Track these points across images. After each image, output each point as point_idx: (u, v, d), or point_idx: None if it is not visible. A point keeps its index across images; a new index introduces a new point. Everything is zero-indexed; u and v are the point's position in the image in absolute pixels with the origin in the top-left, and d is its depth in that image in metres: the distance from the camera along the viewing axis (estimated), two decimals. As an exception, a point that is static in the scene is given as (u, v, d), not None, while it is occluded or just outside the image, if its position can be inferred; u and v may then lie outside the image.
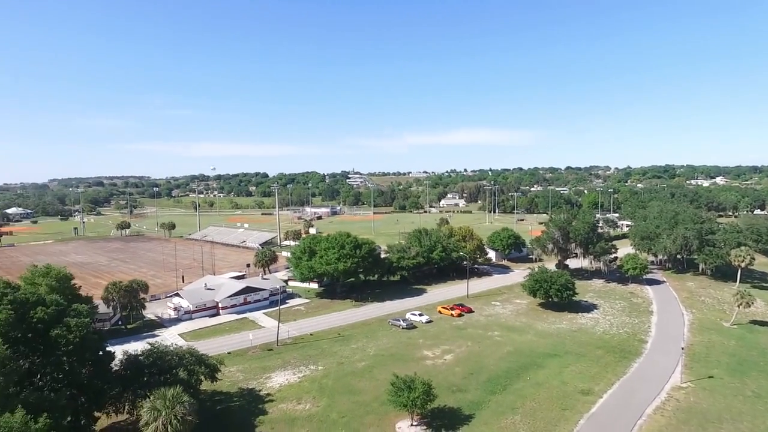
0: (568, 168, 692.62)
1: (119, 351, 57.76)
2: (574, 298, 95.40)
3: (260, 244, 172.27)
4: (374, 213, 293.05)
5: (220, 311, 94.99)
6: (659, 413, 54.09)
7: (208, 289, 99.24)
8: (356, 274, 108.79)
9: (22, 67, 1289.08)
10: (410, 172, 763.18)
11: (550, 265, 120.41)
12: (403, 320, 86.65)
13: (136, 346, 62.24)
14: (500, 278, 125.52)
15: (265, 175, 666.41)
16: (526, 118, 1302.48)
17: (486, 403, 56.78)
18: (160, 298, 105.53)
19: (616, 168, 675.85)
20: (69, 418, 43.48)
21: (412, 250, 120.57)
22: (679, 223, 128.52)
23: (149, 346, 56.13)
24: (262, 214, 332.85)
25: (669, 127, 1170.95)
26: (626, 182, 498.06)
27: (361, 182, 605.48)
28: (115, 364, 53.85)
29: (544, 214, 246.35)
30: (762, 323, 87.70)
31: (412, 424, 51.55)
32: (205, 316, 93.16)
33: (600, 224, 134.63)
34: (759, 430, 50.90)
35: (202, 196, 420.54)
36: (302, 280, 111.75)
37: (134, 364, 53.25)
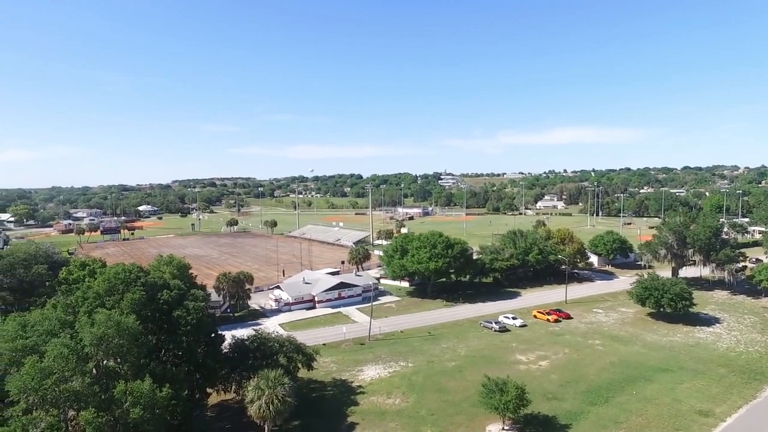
0: (685, 168, 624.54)
1: (228, 336, 63.12)
2: (691, 309, 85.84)
3: (354, 243, 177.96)
4: (466, 214, 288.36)
5: (317, 304, 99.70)
6: (798, 445, 46.90)
7: (306, 283, 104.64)
8: (447, 274, 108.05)
9: (146, 75, 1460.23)
10: (505, 173, 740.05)
11: (662, 272, 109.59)
12: (495, 322, 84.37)
13: (242, 332, 67.57)
14: (603, 284, 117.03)
15: (360, 177, 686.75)
16: (635, 114, 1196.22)
17: (585, 414, 53.30)
18: (263, 290, 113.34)
19: (747, 167, 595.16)
20: (186, 392, 48.43)
21: (506, 251, 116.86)
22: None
23: (254, 333, 60.69)
24: (356, 213, 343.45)
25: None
26: (759, 183, 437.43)
27: (454, 183, 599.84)
28: (224, 347, 58.97)
29: (656, 218, 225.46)
30: None
31: (503, 428, 50.03)
32: (303, 309, 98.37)
33: (725, 229, 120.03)
34: None
35: (301, 196, 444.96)
36: (394, 278, 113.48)
37: (241, 348, 57.88)
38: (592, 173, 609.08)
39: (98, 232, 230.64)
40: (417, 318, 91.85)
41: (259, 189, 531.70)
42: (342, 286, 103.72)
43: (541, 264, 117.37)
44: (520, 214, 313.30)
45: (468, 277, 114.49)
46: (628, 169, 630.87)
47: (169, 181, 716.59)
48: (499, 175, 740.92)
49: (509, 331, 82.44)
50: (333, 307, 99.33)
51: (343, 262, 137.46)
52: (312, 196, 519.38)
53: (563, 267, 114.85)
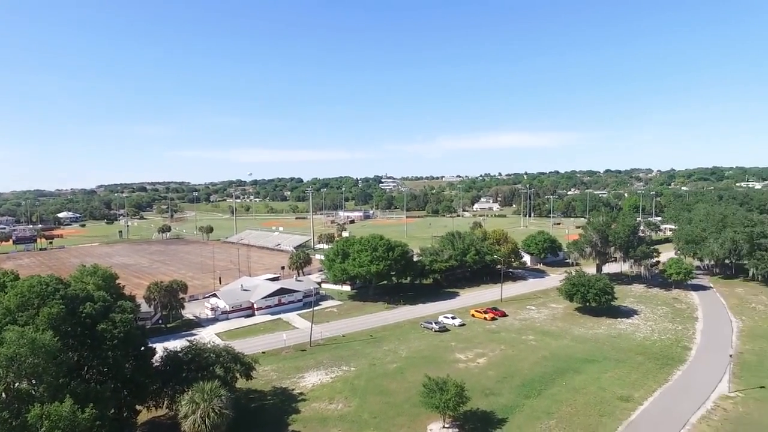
0: (607, 171, 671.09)
1: (159, 348, 59.92)
2: (613, 302, 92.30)
3: (294, 247, 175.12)
4: (407, 217, 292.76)
5: (256, 312, 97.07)
6: (705, 423, 51.61)
7: (244, 290, 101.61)
8: (389, 277, 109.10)
9: (70, 73, 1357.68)
10: (443, 176, 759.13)
11: (588, 269, 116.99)
12: (435, 323, 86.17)
13: (176, 344, 64.36)
14: (535, 282, 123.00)
15: (300, 180, 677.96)
16: (564, 121, 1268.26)
17: (520, 407, 55.69)
18: (198, 299, 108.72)
19: (659, 171, 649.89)
20: (113, 410, 45.37)
21: (445, 253, 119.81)
22: (728, 227, 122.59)
23: (188, 344, 58.00)
24: (297, 218, 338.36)
25: (716, 128, 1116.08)
26: (669, 185, 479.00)
27: (394, 186, 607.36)
28: (156, 361, 55.91)
29: (582, 218, 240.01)
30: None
31: (444, 427, 51.13)
32: (241, 317, 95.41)
33: (641, 227, 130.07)
34: (816, 444, 47.85)
35: (238, 200, 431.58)
36: (335, 282, 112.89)
37: (174, 361, 55.13)
38: (525, 176, 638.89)
39: (10, 242, 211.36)
40: (359, 322, 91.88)
41: (194, 194, 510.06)
42: (282, 291, 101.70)
43: (478, 264, 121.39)
44: (458, 216, 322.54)
45: (409, 279, 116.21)
46: (557, 172, 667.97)
47: (94, 186, 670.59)
48: (438, 178, 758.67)
49: (449, 330, 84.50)
50: (273, 313, 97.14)
51: (283, 268, 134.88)
52: (250, 200, 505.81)
53: (499, 267, 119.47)
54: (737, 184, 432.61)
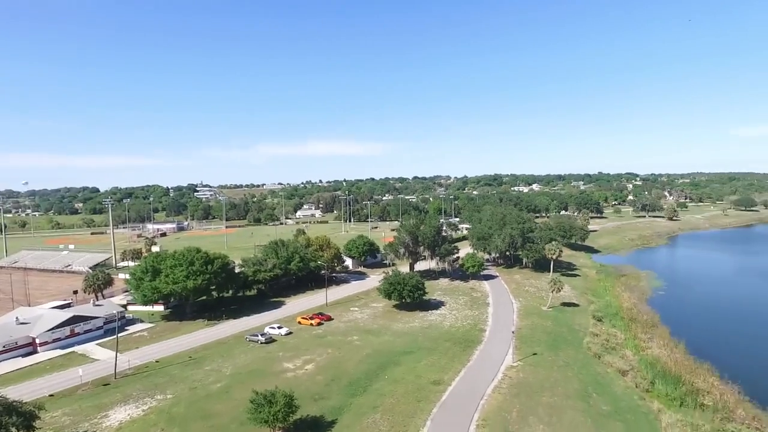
0: (415, 178, 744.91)
1: None
2: (424, 297, 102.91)
3: (90, 267, 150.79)
4: (227, 227, 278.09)
5: (38, 348, 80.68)
6: (497, 391, 61.34)
7: (21, 323, 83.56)
8: (208, 292, 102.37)
9: None
10: (264, 184, 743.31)
11: (403, 268, 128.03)
12: (261, 335, 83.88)
13: None
14: (358, 284, 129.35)
15: (96, 190, 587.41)
16: (378, 131, 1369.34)
17: (348, 406, 58.03)
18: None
19: (456, 177, 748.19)
20: None
21: (269, 262, 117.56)
22: (507, 224, 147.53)
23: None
24: (93, 233, 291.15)
25: (497, 141, 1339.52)
26: (464, 190, 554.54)
27: (212, 195, 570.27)
28: None
29: (396, 221, 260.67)
30: (569, 304, 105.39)
31: (274, 440, 50.20)
32: (18, 356, 78.20)
33: (444, 228, 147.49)
34: (569, 392, 61.12)
35: (10, 215, 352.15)
36: (145, 303, 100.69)
37: None
38: (344, 183, 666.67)
39: None
40: (175, 343, 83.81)
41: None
42: (75, 320, 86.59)
43: (303, 271, 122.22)
44: (281, 224, 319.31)
45: (231, 291, 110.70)
46: (373, 179, 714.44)
47: None
48: (259, 186, 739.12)
49: (275, 341, 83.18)
50: (64, 347, 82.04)
51: (76, 292, 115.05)
52: (27, 214, 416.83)
53: (323, 272, 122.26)
54: (512, 188, 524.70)
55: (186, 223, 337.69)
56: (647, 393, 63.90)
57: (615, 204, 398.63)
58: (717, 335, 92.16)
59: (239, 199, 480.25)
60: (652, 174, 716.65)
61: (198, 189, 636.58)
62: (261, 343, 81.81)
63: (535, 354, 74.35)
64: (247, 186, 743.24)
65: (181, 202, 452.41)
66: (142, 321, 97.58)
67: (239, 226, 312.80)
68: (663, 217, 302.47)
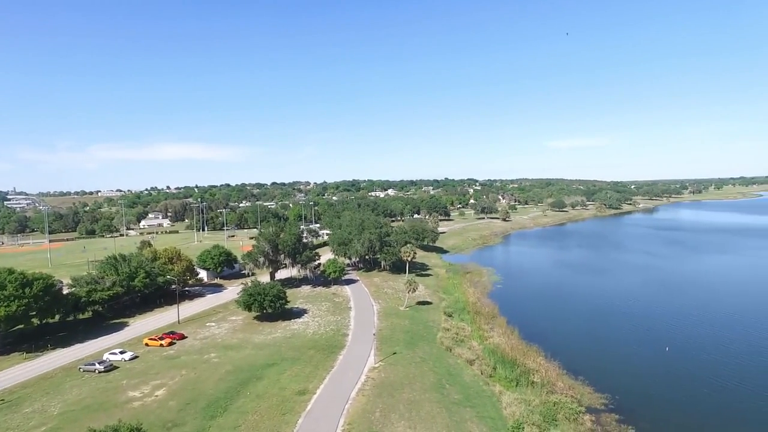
0: (273, 183, 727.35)
1: None
2: (286, 306, 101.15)
3: None
4: (51, 241, 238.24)
5: None
6: (361, 394, 63.14)
7: None
8: (27, 319, 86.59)
9: None
10: (100, 191, 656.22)
11: (263, 277, 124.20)
12: (99, 363, 73.76)
13: None
14: (214, 298, 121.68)
15: None
16: (232, 135, 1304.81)
17: (206, 430, 54.23)
18: None
19: (315, 183, 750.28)
20: None
21: (107, 280, 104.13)
22: (366, 229, 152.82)
23: None
24: None
25: (354, 148, 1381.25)
26: (324, 195, 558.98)
27: (29, 204, 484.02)
28: None
29: (255, 229, 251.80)
30: (424, 303, 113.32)
31: (118, 481, 44.61)
32: None
33: (305, 234, 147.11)
34: (426, 386, 65.79)
35: None
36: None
37: None
38: (196, 189, 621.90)
39: None
40: (-19, 386, 69.20)
41: None
42: None
43: (149, 288, 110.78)
44: (122, 235, 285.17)
45: (58, 317, 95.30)
46: (228, 185, 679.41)
47: None
48: (92, 193, 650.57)
49: (117, 368, 73.94)
50: None
51: None
52: None
53: (174, 287, 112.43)
54: (369, 194, 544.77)
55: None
56: (490, 378, 71.84)
57: (460, 207, 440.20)
58: (542, 320, 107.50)
59: (67, 208, 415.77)
60: (488, 180, 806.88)
61: (10, 197, 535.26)
62: (99, 372, 71.99)
63: (395, 353, 78.30)
64: (76, 193, 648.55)
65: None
66: (-70, 362, 78.48)
67: (68, 240, 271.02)
68: (498, 218, 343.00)
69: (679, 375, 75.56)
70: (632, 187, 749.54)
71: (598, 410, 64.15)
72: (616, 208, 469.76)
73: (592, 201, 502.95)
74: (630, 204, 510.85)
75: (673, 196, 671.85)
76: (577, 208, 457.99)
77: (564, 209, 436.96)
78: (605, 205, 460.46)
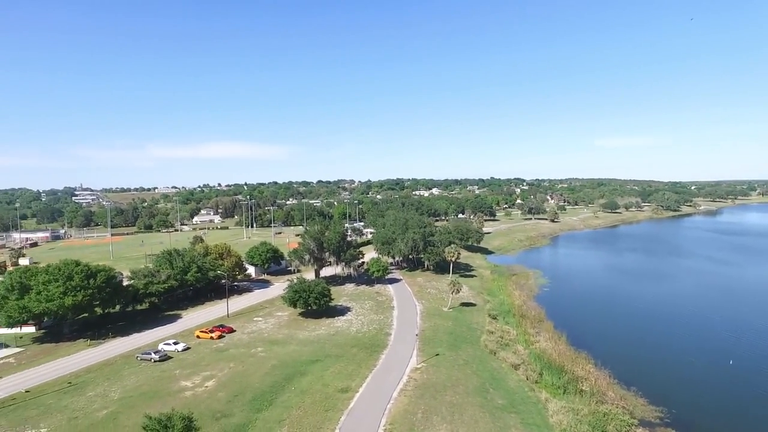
0: (319, 182, 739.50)
1: None
2: (330, 303, 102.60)
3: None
4: (112, 235, 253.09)
5: None
6: (403, 394, 63.07)
7: None
8: (91, 308, 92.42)
9: None
10: (156, 188, 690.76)
11: (308, 275, 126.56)
12: (154, 352, 77.68)
13: None
14: (261, 293, 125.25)
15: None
16: (280, 133, 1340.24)
17: (253, 422, 55.90)
18: None
19: (359, 181, 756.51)
20: None
21: (163, 273, 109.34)
22: (409, 229, 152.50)
23: None
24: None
25: (399, 146, 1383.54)
26: (368, 194, 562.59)
27: (94, 200, 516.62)
28: None
29: (300, 227, 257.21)
30: (467, 304, 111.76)
31: (171, 467, 46.72)
32: None
33: (349, 233, 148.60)
34: (469, 389, 64.81)
35: None
36: (10, 325, 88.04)
37: None
38: (245, 187, 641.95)
39: None
40: (50, 368, 74.51)
41: None
42: None
43: (201, 282, 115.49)
44: (176, 230, 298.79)
45: (118, 307, 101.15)
46: (276, 183, 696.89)
47: None
48: (150, 189, 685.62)
49: (171, 358, 77.58)
50: None
51: None
52: None
53: (223, 281, 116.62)
54: (413, 192, 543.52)
55: (63, 231, 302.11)
56: (536, 384, 69.93)
57: (506, 207, 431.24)
58: (591, 326, 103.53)
59: (127, 204, 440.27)
60: (536, 179, 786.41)
61: (77, 193, 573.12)
62: (154, 361, 75.79)
63: (437, 354, 77.68)
64: (136, 190, 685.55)
65: (56, 208, 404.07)
66: (6, 346, 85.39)
67: (128, 234, 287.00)
68: (546, 219, 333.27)
69: (743, 392, 70.70)
70: (692, 187, 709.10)
71: (653, 423, 61.07)
72: (675, 210, 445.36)
73: (648, 202, 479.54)
74: (690, 206, 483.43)
75: (739, 197, 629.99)
76: (631, 209, 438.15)
77: (617, 211, 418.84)
78: (662, 206, 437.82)
